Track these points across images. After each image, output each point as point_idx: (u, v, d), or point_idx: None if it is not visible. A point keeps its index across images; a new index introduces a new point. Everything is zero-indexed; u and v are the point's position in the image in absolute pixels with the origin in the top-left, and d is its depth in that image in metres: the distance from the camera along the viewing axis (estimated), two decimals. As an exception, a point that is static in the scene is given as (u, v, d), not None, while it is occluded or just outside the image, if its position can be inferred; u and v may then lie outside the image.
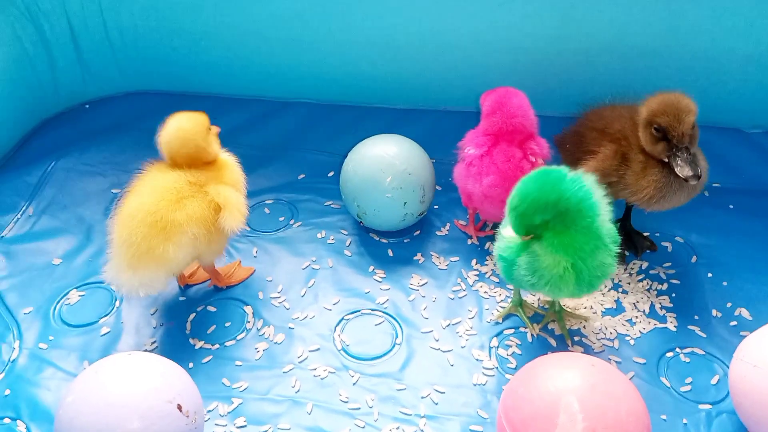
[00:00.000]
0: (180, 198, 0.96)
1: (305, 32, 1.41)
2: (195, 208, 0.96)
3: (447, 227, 1.23)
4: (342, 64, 1.45)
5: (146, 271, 0.93)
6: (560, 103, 1.39)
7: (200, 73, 1.51)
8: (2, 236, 1.21)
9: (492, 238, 1.08)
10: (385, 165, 1.12)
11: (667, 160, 0.99)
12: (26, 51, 1.39)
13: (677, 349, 1.01)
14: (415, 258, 1.17)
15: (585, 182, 0.87)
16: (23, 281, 1.13)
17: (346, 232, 1.22)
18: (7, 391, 0.97)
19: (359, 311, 1.07)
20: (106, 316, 1.08)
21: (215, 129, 1.04)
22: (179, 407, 0.78)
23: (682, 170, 0.97)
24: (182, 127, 0.99)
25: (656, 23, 1.29)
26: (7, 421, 0.94)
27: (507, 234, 0.93)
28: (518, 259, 0.91)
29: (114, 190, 1.31)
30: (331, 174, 1.34)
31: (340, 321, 1.06)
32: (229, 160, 1.05)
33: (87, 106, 1.52)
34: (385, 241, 1.20)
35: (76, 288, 1.12)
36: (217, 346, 1.03)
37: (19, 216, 1.25)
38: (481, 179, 1.09)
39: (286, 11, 1.39)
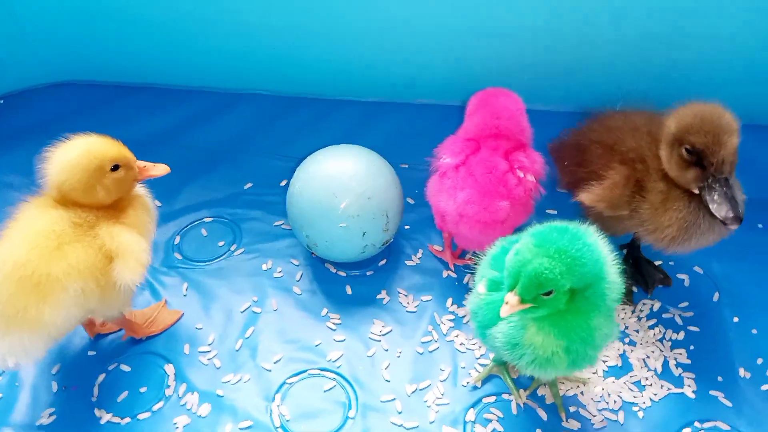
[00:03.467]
0: (60, 244, 0.75)
1: (258, 13, 1.17)
2: (79, 257, 0.75)
3: (419, 254, 1.02)
4: (303, 51, 1.22)
5: (17, 337, 0.73)
6: (556, 97, 1.17)
7: (133, 60, 1.28)
8: None
9: (472, 269, 0.87)
10: (338, 187, 0.91)
11: (698, 192, 0.77)
12: None
13: (696, 424, 0.82)
14: (378, 297, 0.96)
15: (601, 246, 0.66)
16: None
17: (297, 262, 1.01)
18: None
19: (305, 371, 0.87)
20: (-3, 376, 0.88)
21: (140, 170, 0.82)
22: None
23: (720, 210, 0.75)
24: (68, 159, 0.77)
25: (676, 3, 1.06)
26: None
27: (482, 291, 0.73)
28: (493, 328, 0.71)
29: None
30: (283, 183, 1.13)
31: (281, 386, 0.86)
32: (137, 195, 0.83)
33: (1, 101, 1.29)
34: (343, 273, 0.99)
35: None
36: (127, 419, 0.83)
37: None
38: (455, 194, 0.88)
39: None
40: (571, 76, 1.15)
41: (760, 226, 1.04)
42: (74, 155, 0.79)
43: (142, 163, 0.83)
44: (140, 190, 0.86)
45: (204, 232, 1.06)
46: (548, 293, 0.65)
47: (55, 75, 1.31)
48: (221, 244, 1.05)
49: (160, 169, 0.85)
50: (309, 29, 1.18)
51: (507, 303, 0.65)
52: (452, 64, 1.18)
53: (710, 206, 0.75)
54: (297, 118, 1.25)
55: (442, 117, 1.22)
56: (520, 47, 1.12)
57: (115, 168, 0.80)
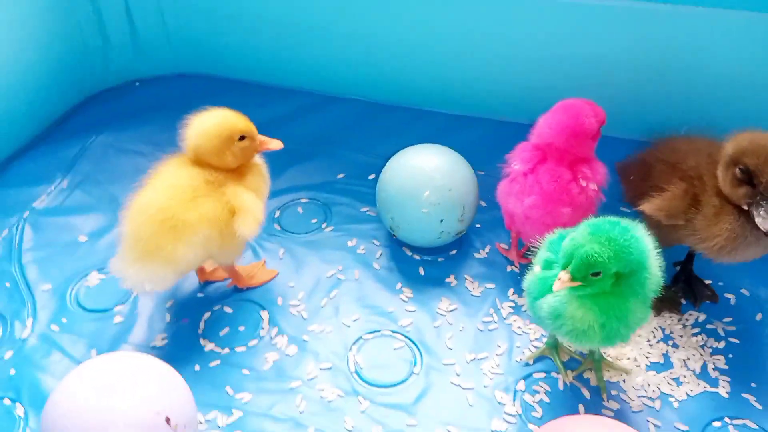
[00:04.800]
0: (195, 197, 0.91)
1: (361, 27, 1.34)
2: (209, 209, 0.91)
3: (487, 249, 1.14)
4: (396, 64, 1.38)
5: (154, 268, 0.89)
6: (628, 126, 1.28)
7: (249, 60, 1.47)
8: (33, 207, 1.20)
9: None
10: (423, 178, 1.04)
11: (747, 207, 0.87)
12: (80, 25, 1.38)
13: (726, 419, 0.90)
14: (447, 280, 1.09)
15: (647, 240, 0.77)
16: (46, 256, 1.12)
17: (378, 243, 1.15)
18: (12, 371, 0.95)
19: (379, 331, 1.00)
20: (121, 304, 1.05)
21: (260, 143, 0.98)
22: (167, 420, 0.73)
23: (765, 223, 0.85)
24: (205, 127, 0.94)
25: (748, 48, 1.16)
26: (7, 401, 0.92)
27: (537, 270, 0.84)
28: (541, 300, 0.82)
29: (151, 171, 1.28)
30: (371, 177, 1.28)
31: (358, 340, 0.99)
32: (256, 164, 0.99)
33: (137, 83, 1.50)
34: (417, 257, 1.12)
35: (98, 270, 1.10)
36: (227, 350, 0.98)
37: (52, 188, 1.24)
38: (523, 198, 1.00)
39: (343, 3, 1.32)
40: (648, 107, 1.26)
41: (809, 259, 1.11)
42: (211, 124, 0.95)
43: (262, 137, 0.99)
44: (258, 160, 1.02)
45: (300, 210, 1.22)
46: (596, 274, 0.76)
47: (183, 67, 1.51)
48: (314, 221, 1.20)
49: (276, 144, 1.01)
50: (406, 47, 1.34)
51: (560, 279, 0.77)
52: (531, 85, 1.31)
53: (756, 219, 0.84)
54: (385, 122, 1.40)
55: (516, 133, 1.34)
56: (602, 74, 1.24)
57: (242, 138, 0.96)
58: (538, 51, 1.26)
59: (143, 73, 1.51)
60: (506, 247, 1.14)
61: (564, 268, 0.77)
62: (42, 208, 1.20)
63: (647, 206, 0.96)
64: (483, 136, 1.35)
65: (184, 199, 0.91)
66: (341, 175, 1.28)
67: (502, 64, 1.30)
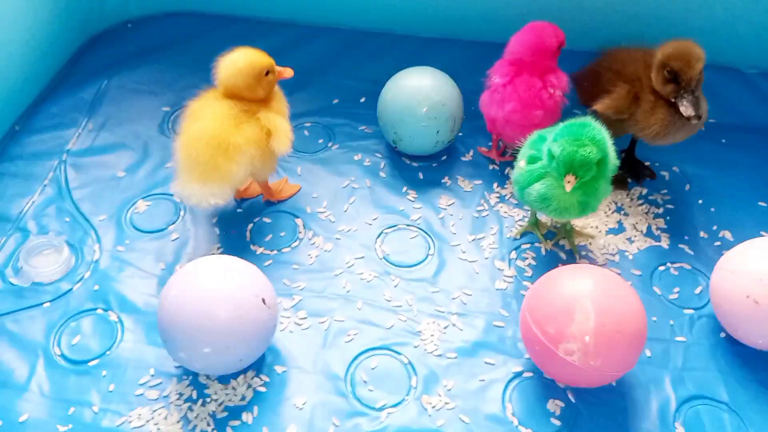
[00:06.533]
0: (238, 123, 1.09)
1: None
2: (251, 133, 1.09)
3: (471, 154, 1.37)
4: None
5: (214, 185, 1.07)
6: (582, 39, 1.50)
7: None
8: (69, 149, 1.33)
9: (511, 164, 1.22)
10: (422, 96, 1.25)
11: (674, 100, 1.13)
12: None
13: (668, 264, 1.19)
14: (443, 180, 1.31)
15: (604, 132, 1.01)
16: (93, 191, 1.27)
17: (380, 155, 1.36)
18: (96, 287, 1.13)
19: (396, 226, 1.23)
20: (173, 224, 1.22)
21: (278, 73, 1.14)
22: (263, 300, 0.94)
23: (687, 110, 1.11)
24: (238, 66, 1.10)
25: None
26: (100, 311, 1.10)
27: (522, 165, 1.08)
28: (529, 188, 1.06)
29: (164, 108, 1.42)
30: (363, 100, 1.46)
31: (380, 234, 1.22)
32: (276, 90, 1.16)
33: (129, 25, 1.60)
34: (415, 164, 1.34)
35: (143, 198, 1.26)
36: (275, 251, 1.19)
37: (80, 131, 1.37)
38: (504, 105, 1.22)
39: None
40: (594, 22, 1.48)
41: (723, 141, 1.40)
42: (242, 64, 1.11)
43: (279, 68, 1.16)
44: (276, 87, 1.18)
45: (306, 133, 1.40)
46: (588, 168, 0.99)
47: (171, 5, 1.61)
48: (320, 141, 1.38)
49: (289, 72, 1.18)
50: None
51: (569, 182, 0.98)
52: (494, 7, 1.50)
53: (681, 108, 1.11)
54: (366, 48, 1.57)
55: (484, 53, 1.54)
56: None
57: (267, 73, 1.13)
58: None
59: (133, 14, 1.61)
60: (486, 149, 1.37)
61: (566, 174, 0.99)
62: (76, 150, 1.34)
63: (599, 106, 1.21)
64: (453, 58, 1.55)
65: (231, 126, 1.09)
66: (336, 101, 1.46)
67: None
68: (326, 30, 1.60)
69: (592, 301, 0.90)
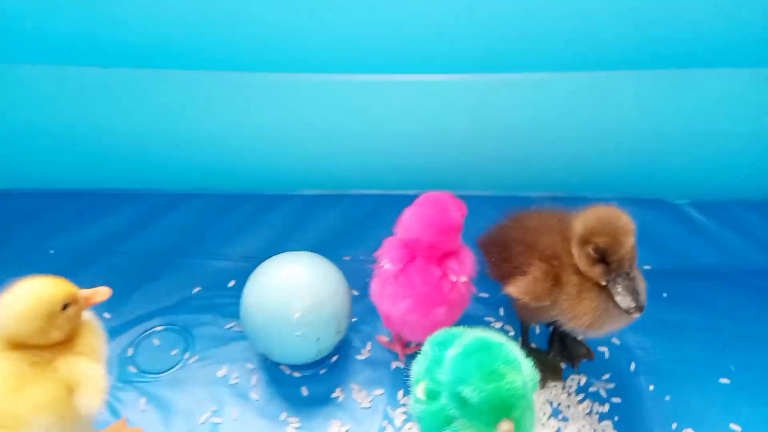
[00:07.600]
0: (21, 385, 0.77)
1: (185, 121, 1.22)
2: (41, 395, 0.77)
3: (368, 347, 1.09)
4: (239, 152, 1.28)
5: None
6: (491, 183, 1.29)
7: (72, 167, 1.30)
8: None
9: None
10: (291, 298, 0.97)
11: (605, 284, 0.89)
12: None
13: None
14: (333, 395, 1.02)
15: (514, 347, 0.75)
16: None
17: (251, 366, 1.06)
18: None
19: (272, 480, 0.92)
20: None
21: (84, 301, 0.84)
22: None
23: (624, 300, 0.87)
24: (23, 309, 0.79)
25: (567, 102, 1.20)
26: None
27: (420, 395, 0.80)
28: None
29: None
30: (232, 284, 1.18)
31: (250, 497, 0.90)
32: (83, 321, 0.86)
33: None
34: (297, 374, 1.05)
35: None
36: None
37: None
38: (397, 302, 0.96)
39: (163, 98, 1.21)
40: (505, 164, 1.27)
41: (664, 295, 1.18)
42: (25, 305, 0.79)
43: (85, 292, 0.85)
44: (85, 315, 0.87)
45: (156, 341, 1.09)
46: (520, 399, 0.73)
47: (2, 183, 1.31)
48: (174, 352, 1.08)
49: (102, 294, 0.86)
50: (239, 131, 1.25)
51: (505, 429, 0.71)
52: (389, 158, 1.27)
53: (616, 298, 0.87)
54: (237, 216, 1.31)
55: (378, 206, 1.31)
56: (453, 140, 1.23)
57: (65, 307, 0.82)
58: (386, 129, 1.23)
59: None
60: (386, 339, 1.10)
61: (495, 420, 0.72)
62: None
63: (513, 290, 0.95)
64: (342, 216, 1.30)
65: (8, 390, 0.77)
66: (197, 289, 1.17)
67: (349, 145, 1.25)
68: (184, 196, 1.32)
69: None
